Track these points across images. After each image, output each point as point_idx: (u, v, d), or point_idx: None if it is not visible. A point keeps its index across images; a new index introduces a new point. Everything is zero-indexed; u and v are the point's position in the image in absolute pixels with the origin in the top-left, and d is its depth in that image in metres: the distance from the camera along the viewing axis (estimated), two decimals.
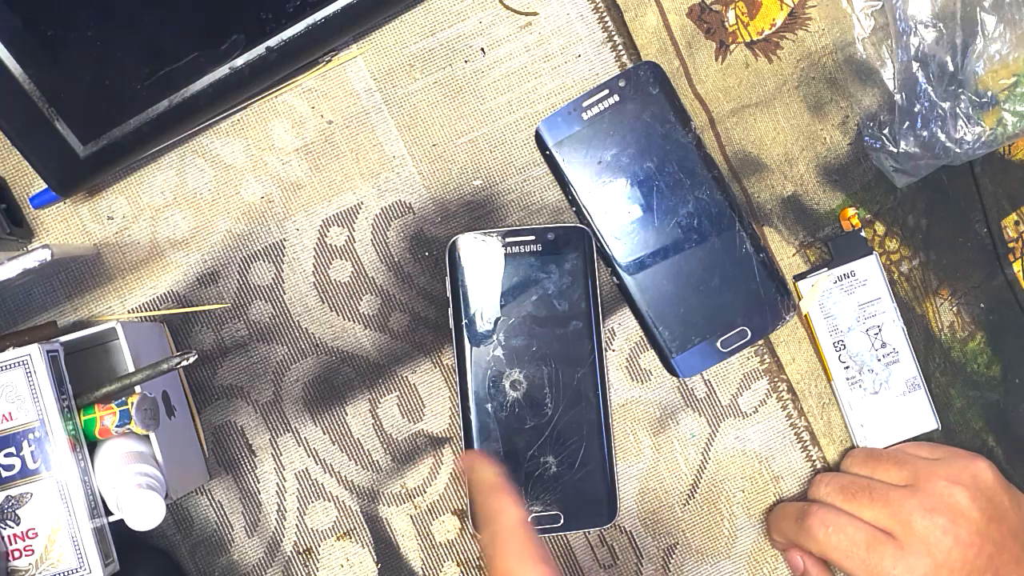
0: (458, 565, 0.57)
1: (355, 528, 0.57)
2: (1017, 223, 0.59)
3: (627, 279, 0.56)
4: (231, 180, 0.56)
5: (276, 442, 0.57)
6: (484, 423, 0.55)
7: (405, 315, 0.57)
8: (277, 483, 0.57)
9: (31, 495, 0.44)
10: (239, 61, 0.52)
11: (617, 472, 0.57)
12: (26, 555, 0.44)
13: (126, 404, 0.46)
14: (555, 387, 0.55)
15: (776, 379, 0.58)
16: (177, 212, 0.56)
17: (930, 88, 0.54)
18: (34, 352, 0.44)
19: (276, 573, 0.56)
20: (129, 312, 0.56)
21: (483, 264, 0.55)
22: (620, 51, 0.57)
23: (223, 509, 0.56)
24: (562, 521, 0.55)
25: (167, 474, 0.47)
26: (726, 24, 0.58)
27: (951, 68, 0.53)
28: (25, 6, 0.50)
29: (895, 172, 0.57)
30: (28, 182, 0.56)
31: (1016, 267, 0.59)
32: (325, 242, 0.57)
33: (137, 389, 0.46)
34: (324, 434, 0.57)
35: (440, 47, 0.57)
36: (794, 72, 0.58)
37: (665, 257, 0.56)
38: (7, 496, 0.44)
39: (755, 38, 0.58)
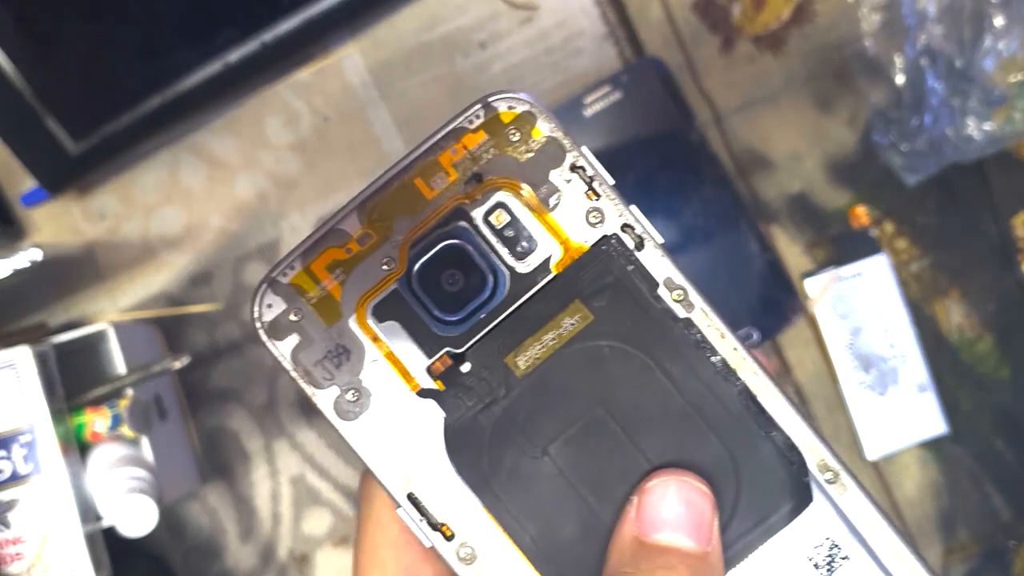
0: None
1: (351, 534, 0.57)
2: None
3: None
4: (224, 177, 0.57)
5: (270, 447, 0.57)
6: None
7: None
8: (271, 488, 0.57)
9: (22, 499, 0.45)
10: (233, 56, 0.53)
11: None
12: (16, 560, 0.45)
13: (117, 407, 0.46)
14: None
15: (783, 381, 0.59)
16: (170, 210, 0.57)
17: (939, 85, 0.54)
18: (24, 354, 0.45)
19: None
20: (121, 312, 0.57)
21: None
22: (623, 46, 0.58)
23: (217, 515, 0.57)
24: None
25: (159, 479, 0.47)
26: (731, 18, 0.58)
27: (960, 64, 0.54)
28: (15, 1, 0.50)
29: (904, 170, 0.57)
30: (19, 180, 0.56)
31: None
32: None
33: (129, 392, 0.47)
34: (319, 438, 0.57)
35: (439, 42, 0.57)
36: (801, 68, 0.58)
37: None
38: None
39: (761, 33, 0.58)
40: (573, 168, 0.24)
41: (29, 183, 0.56)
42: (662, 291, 0.24)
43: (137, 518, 0.45)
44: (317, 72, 0.57)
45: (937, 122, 0.55)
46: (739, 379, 0.24)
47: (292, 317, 0.24)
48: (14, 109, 0.51)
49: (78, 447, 0.47)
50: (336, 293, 0.24)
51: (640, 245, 0.24)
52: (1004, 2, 0.52)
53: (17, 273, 0.49)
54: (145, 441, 0.48)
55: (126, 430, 0.46)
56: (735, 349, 0.24)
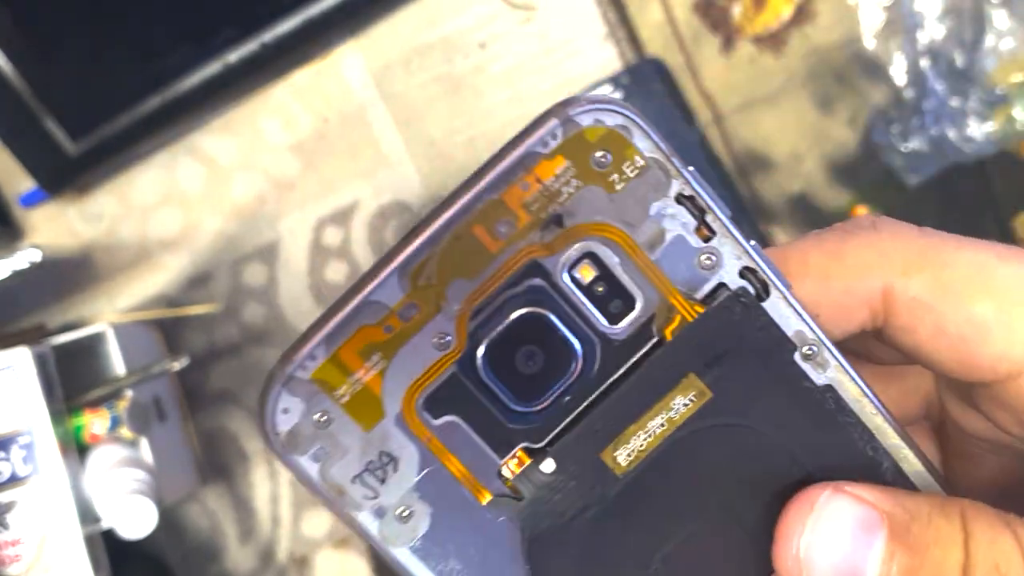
0: None
1: (351, 536, 0.58)
2: None
3: None
4: (223, 178, 0.57)
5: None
6: None
7: None
8: (271, 490, 0.57)
9: (21, 501, 0.45)
10: (231, 56, 0.53)
11: None
12: (15, 563, 0.45)
13: (116, 408, 0.46)
14: None
15: None
16: (168, 212, 0.57)
17: (939, 85, 0.55)
18: (23, 355, 0.45)
19: None
20: (119, 314, 0.57)
21: None
22: (623, 46, 0.58)
23: (216, 516, 0.57)
24: None
25: (158, 480, 0.47)
26: (732, 19, 0.59)
27: (961, 64, 0.54)
28: (14, 2, 0.51)
29: (905, 170, 0.58)
30: (17, 181, 0.57)
31: None
32: (320, 242, 0.58)
33: (128, 393, 0.47)
34: None
35: (438, 42, 0.58)
36: (801, 68, 0.59)
37: None
38: None
39: (761, 33, 0.59)
40: (680, 199, 0.19)
41: (27, 184, 0.56)
42: (795, 351, 0.19)
43: (136, 520, 0.45)
44: (316, 73, 0.57)
45: (938, 122, 0.55)
46: (887, 455, 0.19)
47: (318, 421, 0.18)
48: (12, 110, 0.52)
49: (77, 449, 0.47)
50: (375, 386, 0.18)
51: (765, 293, 0.19)
52: (1005, 1, 0.52)
53: (16, 274, 0.49)
54: (144, 442, 0.48)
55: (125, 431, 0.47)
56: (874, 413, 0.19)
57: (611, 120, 0.18)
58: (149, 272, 0.57)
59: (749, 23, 0.59)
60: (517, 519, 0.19)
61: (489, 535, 0.19)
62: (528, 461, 0.19)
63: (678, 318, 0.19)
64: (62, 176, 0.54)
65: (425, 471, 0.19)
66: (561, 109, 0.18)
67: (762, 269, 0.19)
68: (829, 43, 0.59)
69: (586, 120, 0.18)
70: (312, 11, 0.53)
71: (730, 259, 0.19)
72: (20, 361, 0.45)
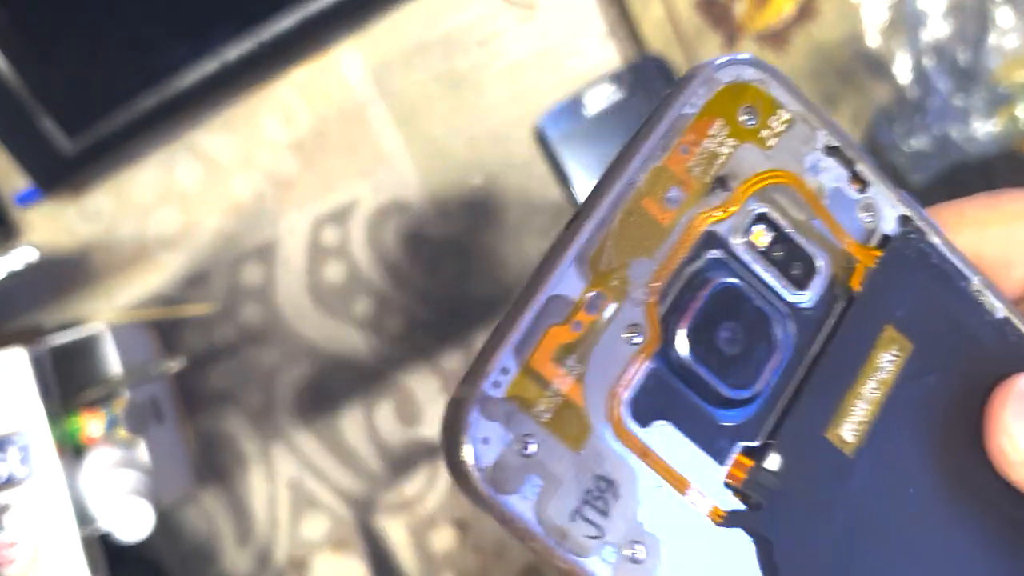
0: None
1: (350, 538, 0.58)
2: None
3: None
4: (221, 177, 0.57)
5: (267, 450, 0.57)
6: None
7: (402, 317, 0.58)
8: (269, 491, 0.57)
9: (17, 503, 0.45)
10: (230, 54, 0.53)
11: None
12: (11, 565, 0.45)
13: (113, 409, 0.46)
14: None
15: None
16: (166, 210, 0.57)
17: (943, 83, 0.55)
18: (19, 355, 0.45)
19: None
20: (116, 314, 0.57)
21: None
22: (624, 44, 0.58)
23: (213, 519, 0.57)
24: None
25: (155, 481, 0.47)
26: (734, 16, 0.58)
27: (965, 62, 0.54)
28: None
29: (908, 169, 0.58)
30: (13, 180, 0.56)
31: None
32: (318, 241, 0.57)
33: (125, 393, 0.47)
34: (317, 441, 0.57)
35: (438, 40, 0.58)
36: (804, 66, 0.59)
37: None
38: None
39: (763, 31, 0.59)
40: (829, 151, 0.18)
41: (24, 183, 0.56)
42: (976, 287, 0.18)
43: (133, 522, 0.45)
44: (315, 70, 0.57)
45: (941, 121, 0.55)
46: None
47: (523, 448, 0.15)
48: (8, 108, 0.51)
49: (73, 450, 0.47)
50: (576, 396, 0.15)
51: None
52: None
53: (12, 274, 0.49)
54: (141, 443, 0.48)
55: (122, 432, 0.46)
56: None
57: (749, 75, 0.17)
58: (147, 271, 0.57)
59: (751, 20, 0.59)
60: (760, 532, 0.16)
61: (731, 558, 0.16)
62: (750, 463, 0.16)
63: (860, 267, 0.18)
64: (59, 175, 0.53)
65: (647, 491, 0.16)
66: (700, 69, 0.17)
67: (919, 216, 0.18)
68: (832, 41, 0.59)
69: (726, 76, 0.17)
70: (311, 8, 0.53)
71: (887, 208, 0.18)
72: (16, 362, 0.45)
